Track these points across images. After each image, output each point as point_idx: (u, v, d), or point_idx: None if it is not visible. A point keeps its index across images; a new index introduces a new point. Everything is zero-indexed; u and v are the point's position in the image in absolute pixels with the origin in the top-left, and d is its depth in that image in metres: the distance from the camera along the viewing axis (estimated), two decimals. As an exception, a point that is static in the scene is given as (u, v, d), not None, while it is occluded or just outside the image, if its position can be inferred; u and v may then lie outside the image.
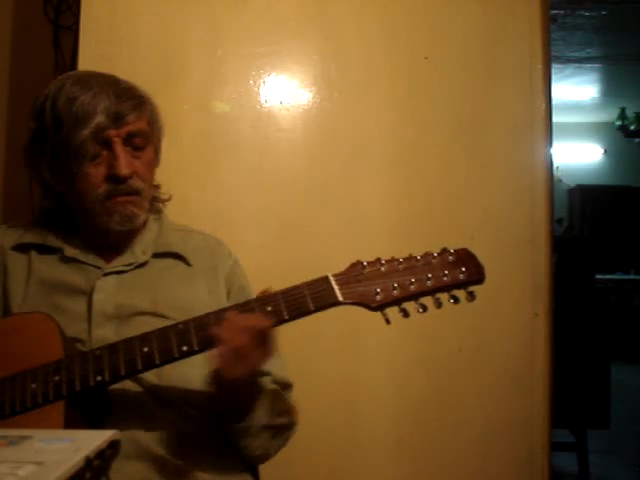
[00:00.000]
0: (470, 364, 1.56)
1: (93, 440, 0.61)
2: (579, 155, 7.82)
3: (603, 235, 6.85)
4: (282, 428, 1.12)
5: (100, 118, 1.03)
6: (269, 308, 0.96)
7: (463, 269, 0.97)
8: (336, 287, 0.97)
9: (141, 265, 1.12)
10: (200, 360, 1.02)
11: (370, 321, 1.55)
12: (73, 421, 0.93)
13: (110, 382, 0.96)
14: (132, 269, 1.11)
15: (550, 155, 1.62)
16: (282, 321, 0.97)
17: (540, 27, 1.61)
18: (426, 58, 1.60)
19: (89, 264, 1.10)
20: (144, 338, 0.96)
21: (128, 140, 1.06)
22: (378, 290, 0.97)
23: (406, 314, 0.98)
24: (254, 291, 1.23)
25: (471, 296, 0.98)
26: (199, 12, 1.57)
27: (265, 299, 0.97)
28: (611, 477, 3.23)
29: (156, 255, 1.14)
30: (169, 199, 1.22)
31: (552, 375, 1.57)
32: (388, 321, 0.98)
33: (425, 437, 1.55)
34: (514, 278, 1.58)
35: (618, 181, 7.59)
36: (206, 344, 0.96)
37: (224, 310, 0.98)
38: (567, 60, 5.54)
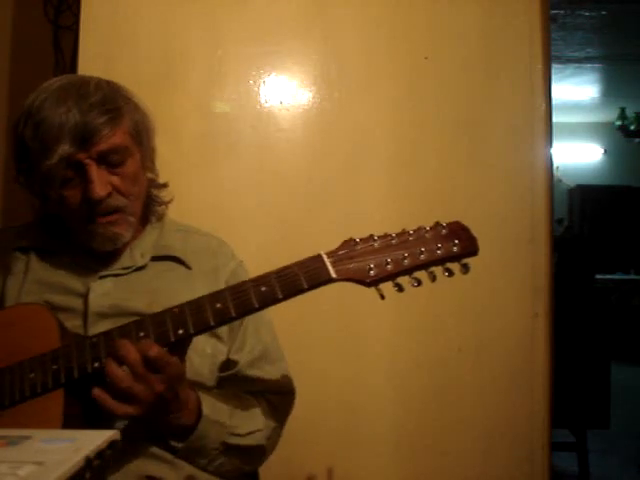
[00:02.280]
0: (470, 364, 1.56)
1: (93, 440, 0.61)
2: (579, 155, 7.82)
3: (603, 235, 6.85)
4: (249, 448, 1.10)
5: (65, 145, 0.98)
6: (263, 288, 0.95)
7: (456, 241, 0.98)
8: (329, 264, 0.95)
9: (139, 268, 1.12)
10: (197, 349, 1.02)
11: (370, 321, 1.55)
12: (72, 412, 0.93)
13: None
14: (130, 272, 1.11)
15: (550, 155, 1.62)
16: (276, 300, 0.95)
17: (540, 27, 1.61)
18: (426, 58, 1.60)
19: (86, 267, 1.10)
20: (140, 323, 0.95)
21: (102, 159, 1.02)
22: (372, 266, 0.96)
23: (400, 289, 0.96)
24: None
25: (465, 268, 0.98)
26: (199, 12, 1.57)
27: (258, 279, 0.96)
28: (611, 477, 3.23)
29: (155, 258, 1.13)
30: (171, 201, 1.21)
31: (552, 375, 1.57)
32: (382, 296, 0.96)
33: (425, 437, 1.55)
34: (514, 278, 1.58)
35: (618, 181, 7.59)
36: (202, 327, 0.95)
37: (220, 292, 0.96)
38: (567, 60, 5.54)
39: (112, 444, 0.63)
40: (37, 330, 0.98)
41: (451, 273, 0.97)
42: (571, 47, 5.26)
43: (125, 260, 1.12)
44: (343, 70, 1.59)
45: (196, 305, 0.95)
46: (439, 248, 0.97)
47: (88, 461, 0.57)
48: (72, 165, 1.00)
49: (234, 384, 1.14)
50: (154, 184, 1.18)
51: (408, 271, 0.96)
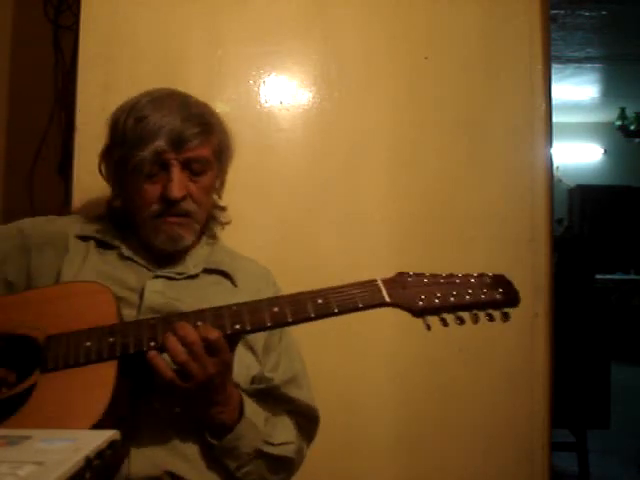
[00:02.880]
0: (470, 364, 1.56)
1: (93, 440, 0.61)
2: (579, 155, 7.82)
3: (603, 235, 6.85)
4: (280, 459, 1.12)
5: (161, 142, 1.07)
6: (320, 301, 1.00)
7: (500, 290, 1.06)
8: (383, 289, 1.03)
9: (191, 277, 1.17)
10: (236, 358, 1.05)
11: (370, 321, 1.55)
12: (122, 384, 0.96)
13: (162, 349, 0.99)
14: (182, 278, 1.16)
15: (550, 155, 1.62)
16: (331, 314, 1.01)
17: (540, 27, 1.61)
18: (426, 58, 1.60)
19: (143, 266, 1.15)
20: (198, 313, 1.00)
21: (187, 164, 1.11)
22: (422, 297, 1.03)
23: (445, 323, 1.03)
24: None
25: (506, 317, 1.05)
26: (199, 12, 1.56)
27: (316, 293, 1.02)
28: (611, 477, 3.23)
29: (206, 271, 1.19)
30: (228, 223, 1.28)
31: (552, 375, 1.57)
32: (429, 327, 1.02)
33: (425, 437, 1.55)
34: (514, 278, 1.56)
35: (618, 181, 7.59)
36: (258, 326, 1.00)
37: (276, 297, 1.04)
38: (567, 60, 5.54)
39: (112, 444, 0.63)
40: (95, 305, 1.03)
41: (492, 318, 1.05)
42: (571, 47, 5.26)
43: (179, 267, 1.17)
44: (343, 70, 1.59)
45: (254, 306, 1.01)
46: (484, 293, 1.05)
47: (88, 461, 0.57)
48: (160, 163, 1.09)
49: (265, 401, 1.17)
50: (216, 205, 1.26)
51: (453, 308, 1.03)
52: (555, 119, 1.66)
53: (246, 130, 1.57)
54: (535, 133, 1.60)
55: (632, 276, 6.76)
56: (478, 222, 1.58)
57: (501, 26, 1.62)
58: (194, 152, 1.10)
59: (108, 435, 0.63)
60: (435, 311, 1.02)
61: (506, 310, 1.05)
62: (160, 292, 1.12)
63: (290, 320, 1.00)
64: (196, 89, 1.55)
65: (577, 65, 5.74)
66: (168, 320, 1.00)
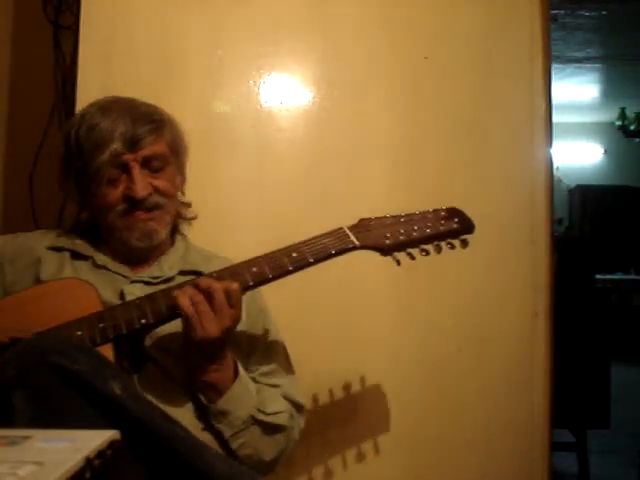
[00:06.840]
0: (470, 364, 1.56)
1: (93, 440, 0.61)
2: (579, 155, 7.81)
3: (603, 235, 6.84)
4: (274, 428, 1.13)
5: (116, 145, 1.09)
6: (294, 254, 1.07)
7: (456, 220, 1.15)
8: (351, 234, 1.10)
9: (167, 280, 1.17)
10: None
11: (370, 321, 1.55)
12: (121, 364, 1.00)
13: (154, 325, 1.04)
14: (159, 282, 1.16)
15: (550, 155, 1.62)
16: (308, 264, 1.08)
17: (540, 27, 1.61)
18: (426, 58, 1.60)
19: (118, 273, 1.16)
20: (181, 287, 1.05)
21: (145, 163, 1.13)
22: (387, 235, 1.11)
23: (412, 257, 1.12)
24: (272, 313, 1.26)
25: (464, 243, 1.15)
26: (199, 12, 1.56)
27: (289, 248, 1.08)
28: (611, 477, 3.23)
29: (182, 273, 1.20)
30: (194, 218, 1.28)
31: (552, 375, 1.57)
32: (399, 262, 1.11)
33: (425, 437, 1.55)
34: (514, 278, 1.58)
35: (618, 181, 7.58)
36: (242, 286, 1.05)
37: (253, 259, 1.08)
38: (567, 60, 5.54)
39: (112, 444, 0.63)
40: (78, 298, 1.05)
41: (453, 247, 1.14)
42: (571, 47, 5.26)
43: (154, 271, 1.19)
44: (343, 70, 1.59)
45: (233, 270, 1.07)
46: (442, 224, 1.14)
47: (88, 461, 0.57)
48: (119, 166, 1.11)
49: None
50: (181, 202, 1.26)
51: (417, 242, 1.12)
52: (555, 119, 1.66)
53: (246, 130, 1.57)
54: (535, 133, 1.60)
55: (632, 276, 6.75)
56: (478, 222, 1.55)
57: (501, 26, 1.62)
58: (150, 149, 1.12)
59: (108, 435, 0.63)
60: (402, 247, 1.11)
61: (464, 237, 1.14)
62: (138, 295, 1.11)
63: (270, 276, 1.06)
64: (196, 89, 1.56)
65: (577, 65, 5.74)
66: (152, 297, 1.03)
